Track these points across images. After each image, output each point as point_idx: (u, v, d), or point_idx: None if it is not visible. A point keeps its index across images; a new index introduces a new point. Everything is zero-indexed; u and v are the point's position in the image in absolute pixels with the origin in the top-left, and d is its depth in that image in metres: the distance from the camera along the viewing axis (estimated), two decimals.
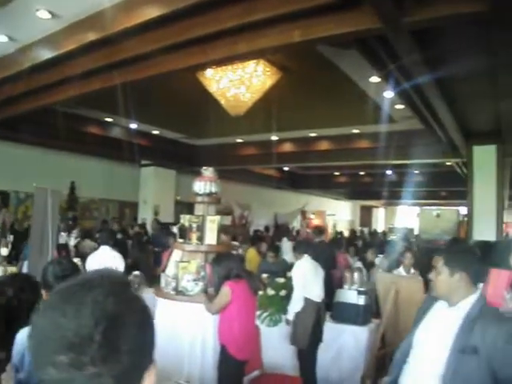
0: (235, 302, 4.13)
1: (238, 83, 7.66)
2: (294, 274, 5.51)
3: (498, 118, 8.68)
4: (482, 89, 7.50)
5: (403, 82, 7.03)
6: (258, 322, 5.29)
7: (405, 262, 6.57)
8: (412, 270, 6.51)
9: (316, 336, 5.19)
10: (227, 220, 17.88)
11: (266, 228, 17.71)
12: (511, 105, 7.52)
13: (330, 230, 22.64)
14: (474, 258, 2.57)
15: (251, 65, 7.42)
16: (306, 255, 5.54)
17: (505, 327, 2.27)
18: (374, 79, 7.72)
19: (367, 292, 5.65)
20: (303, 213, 20.34)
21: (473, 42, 5.96)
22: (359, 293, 5.56)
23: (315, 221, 22.50)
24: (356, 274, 5.80)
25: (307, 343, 5.15)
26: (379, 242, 12.14)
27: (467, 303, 2.45)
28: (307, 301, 5.30)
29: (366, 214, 31.93)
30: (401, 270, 6.51)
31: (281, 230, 17.35)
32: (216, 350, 4.45)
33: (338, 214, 27.14)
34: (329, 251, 8.53)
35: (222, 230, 5.82)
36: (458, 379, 2.31)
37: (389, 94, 8.54)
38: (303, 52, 6.99)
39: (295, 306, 5.35)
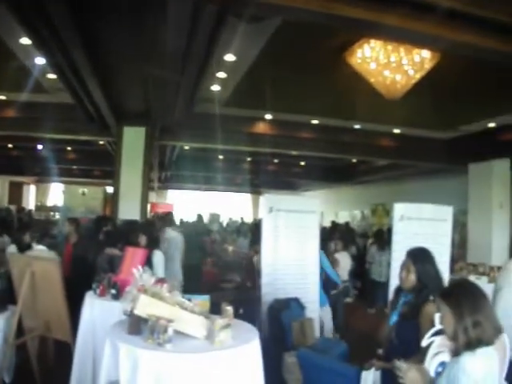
0: None
1: None
2: None
3: (148, 102, 8.93)
4: (133, 72, 7.57)
5: (55, 51, 6.61)
6: None
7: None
8: None
9: None
10: None
11: None
12: (158, 90, 7.80)
13: None
14: None
15: None
16: None
17: None
18: (25, 41, 7.03)
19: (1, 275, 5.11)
20: None
21: (128, 25, 5.94)
22: None
23: None
24: None
25: None
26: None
27: None
28: None
29: (15, 191, 29.76)
30: None
31: None
32: None
33: None
34: None
35: None
36: None
37: (40, 61, 7.93)
38: None
39: None
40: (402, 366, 2.53)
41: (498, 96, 9.05)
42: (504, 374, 2.97)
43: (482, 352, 2.40)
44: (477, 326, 2.42)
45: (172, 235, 7.98)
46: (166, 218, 8.79)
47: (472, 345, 2.39)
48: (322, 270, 7.53)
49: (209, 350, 3.03)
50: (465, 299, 2.50)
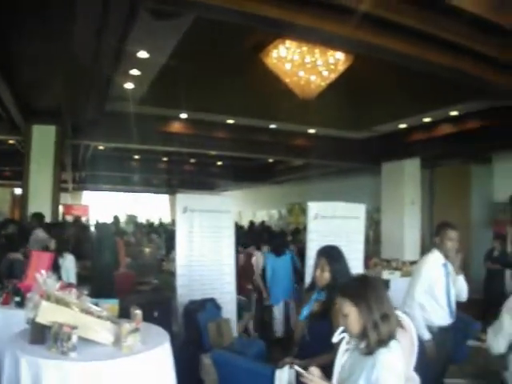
0: None
1: None
2: None
3: (58, 100, 8.57)
4: (41, 68, 7.25)
5: None
6: None
7: None
8: None
9: None
10: None
11: None
12: (68, 88, 7.50)
13: None
14: None
15: None
16: None
17: None
18: None
19: None
20: None
21: (36, 19, 5.68)
22: None
23: None
24: None
25: None
26: None
27: None
28: None
29: None
30: None
31: None
32: None
33: None
34: None
35: None
36: None
37: None
38: None
39: None
40: (314, 381, 2.45)
41: (408, 98, 9.40)
42: (413, 365, 3.04)
43: (394, 345, 2.39)
44: (385, 319, 2.38)
45: (40, 236, 7.49)
46: (39, 218, 8.24)
47: (384, 340, 2.36)
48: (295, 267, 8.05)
49: (116, 357, 2.90)
50: (370, 293, 2.44)
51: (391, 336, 2.40)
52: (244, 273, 8.10)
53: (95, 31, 5.64)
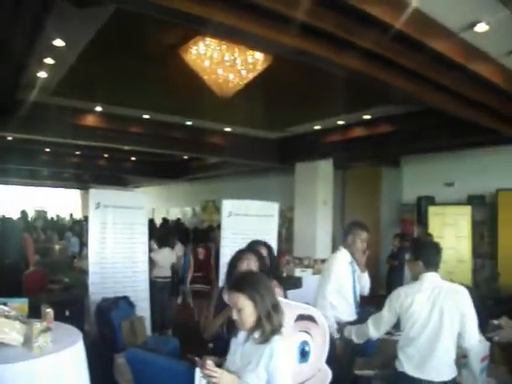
0: None
1: None
2: None
3: None
4: None
5: None
6: None
7: None
8: None
9: None
10: None
11: None
12: None
13: None
14: None
15: None
16: None
17: None
18: None
19: None
20: None
21: None
22: None
23: None
24: None
25: None
26: None
27: None
28: None
29: None
30: None
31: None
32: None
33: None
34: None
35: None
36: None
37: None
38: None
39: None
40: (215, 371, 2.43)
41: (323, 100, 9.64)
42: (325, 357, 3.13)
43: (284, 332, 2.54)
44: (276, 308, 2.52)
45: None
46: None
47: (276, 329, 2.49)
48: None
49: (26, 359, 2.79)
50: (261, 285, 2.56)
51: (281, 324, 2.53)
52: (205, 265, 8.50)
53: (8, 13, 5.37)
